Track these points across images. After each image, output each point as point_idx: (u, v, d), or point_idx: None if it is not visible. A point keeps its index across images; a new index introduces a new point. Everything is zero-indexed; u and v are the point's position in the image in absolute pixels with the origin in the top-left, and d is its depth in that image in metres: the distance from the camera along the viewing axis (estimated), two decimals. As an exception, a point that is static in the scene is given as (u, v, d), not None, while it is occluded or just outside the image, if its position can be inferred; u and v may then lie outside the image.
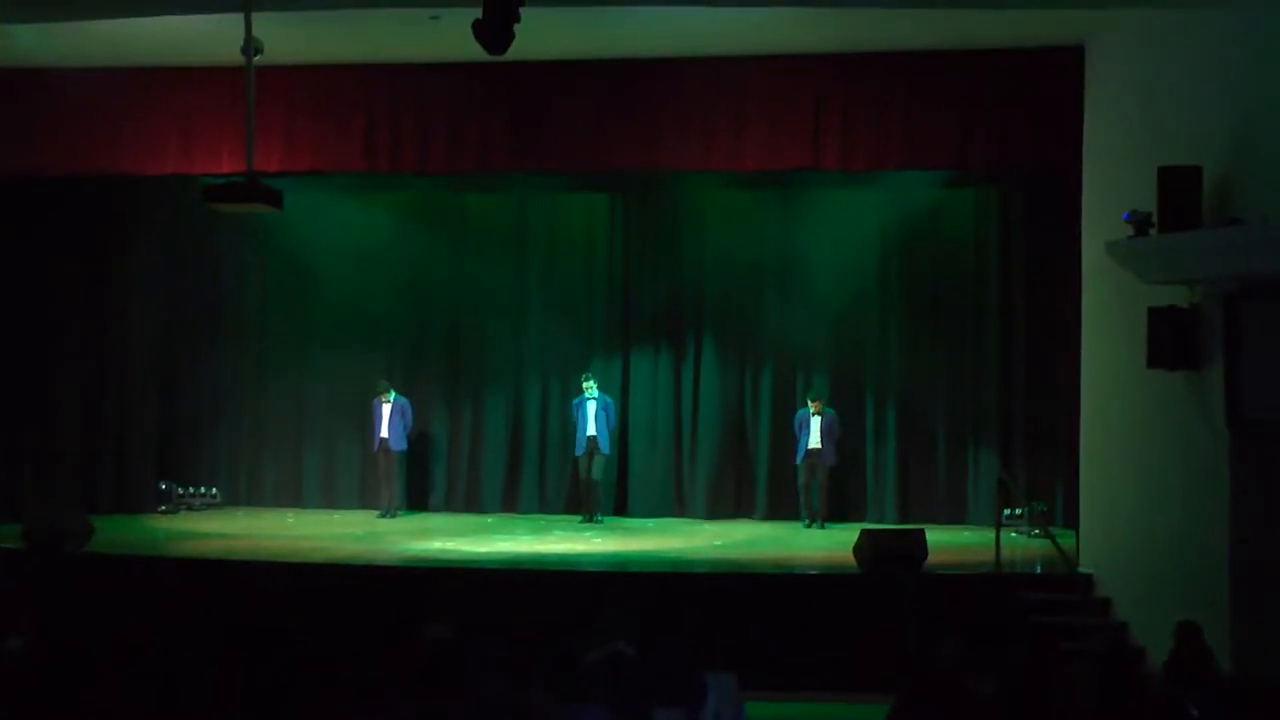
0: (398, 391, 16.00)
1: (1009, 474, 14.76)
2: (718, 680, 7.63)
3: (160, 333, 16.63)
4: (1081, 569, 12.45)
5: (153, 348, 16.56)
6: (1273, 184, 10.46)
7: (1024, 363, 15.60)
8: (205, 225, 15.79)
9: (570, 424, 15.85)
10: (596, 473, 15.60)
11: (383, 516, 15.90)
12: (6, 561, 12.93)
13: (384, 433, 15.86)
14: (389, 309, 16.86)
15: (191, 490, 16.48)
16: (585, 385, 15.57)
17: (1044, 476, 15.25)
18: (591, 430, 15.49)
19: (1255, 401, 10.45)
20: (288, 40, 12.27)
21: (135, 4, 11.99)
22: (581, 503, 15.82)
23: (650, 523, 15.86)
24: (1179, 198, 10.83)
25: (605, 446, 15.62)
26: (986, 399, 15.80)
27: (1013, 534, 14.29)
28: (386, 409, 15.86)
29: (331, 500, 16.80)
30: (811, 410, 15.33)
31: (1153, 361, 11.24)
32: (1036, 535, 14.11)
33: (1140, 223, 11.17)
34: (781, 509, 15.97)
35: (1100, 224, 12.21)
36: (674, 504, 16.38)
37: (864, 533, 12.60)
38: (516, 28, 10.02)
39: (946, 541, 13.63)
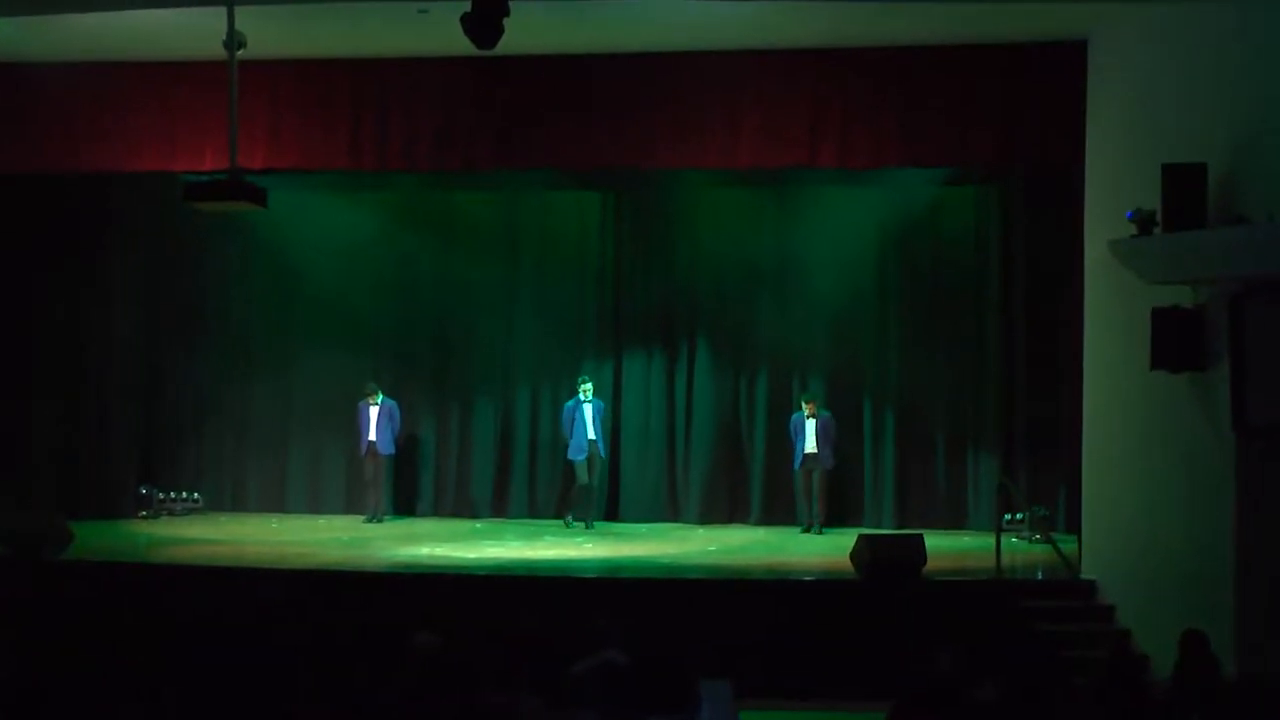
0: (385, 394, 16.00)
1: (1009, 478, 14.78)
2: (712, 689, 7.62)
3: (141, 334, 16.61)
4: (1084, 575, 12.45)
5: (133, 349, 16.54)
6: None
7: (1025, 364, 15.61)
8: (187, 224, 15.77)
9: (562, 427, 15.84)
10: (598, 478, 15.61)
11: (369, 521, 15.89)
12: (-18, 568, 12.90)
13: (372, 436, 15.85)
14: (376, 310, 16.83)
15: (173, 495, 16.46)
16: (582, 388, 15.55)
17: (1045, 480, 15.26)
18: (592, 433, 15.49)
19: (1261, 405, 10.46)
20: (272, 34, 12.26)
21: (115, -4, 12.00)
22: (578, 508, 15.75)
23: (643, 528, 15.85)
24: (1183, 195, 10.84)
25: (603, 450, 15.64)
26: (986, 401, 15.81)
27: (1013, 539, 14.30)
28: (374, 412, 15.85)
29: (317, 505, 16.78)
30: (806, 413, 15.33)
31: (1156, 363, 11.24)
32: (1038, 541, 14.13)
33: (1144, 221, 11.18)
34: (776, 514, 15.99)
35: (1103, 222, 12.21)
36: (667, 509, 16.38)
37: (861, 538, 12.59)
38: (506, 22, 10.04)
39: (946, 547, 13.63)
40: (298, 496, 16.89)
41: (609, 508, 16.31)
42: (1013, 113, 12.87)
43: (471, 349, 16.77)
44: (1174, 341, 11.11)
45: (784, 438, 15.67)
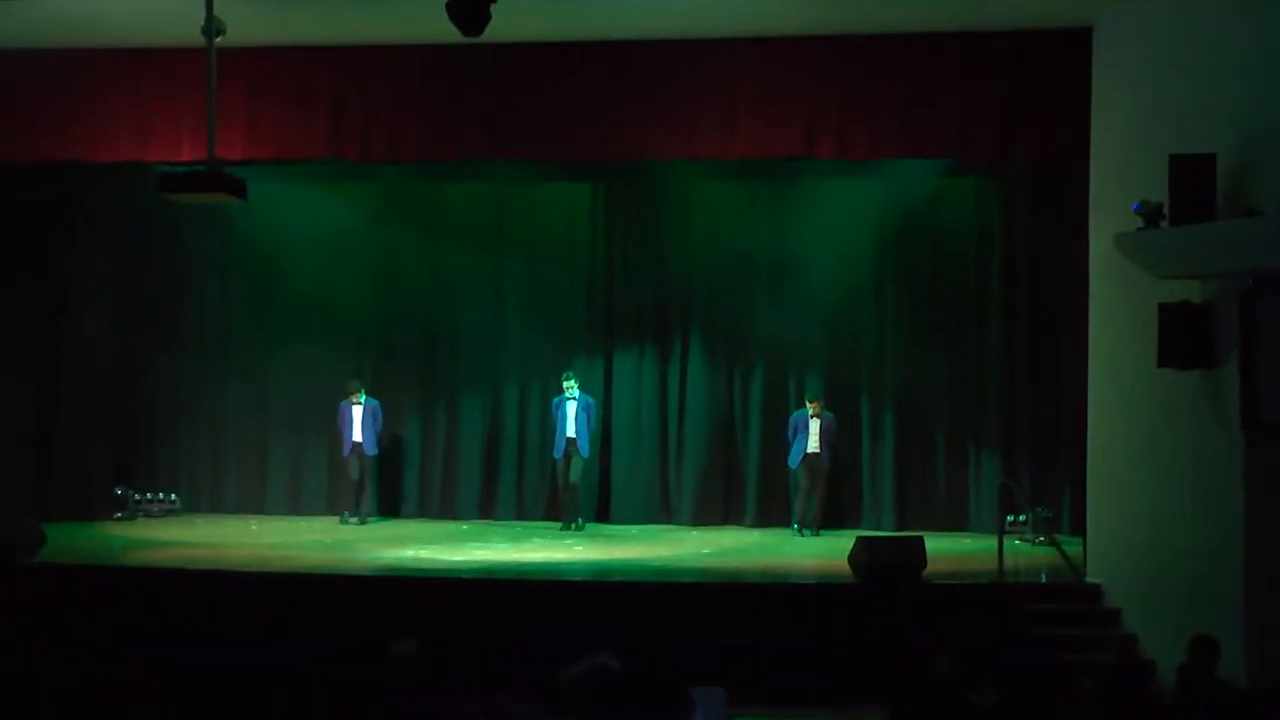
0: (368, 393, 15.97)
1: (1012, 478, 14.78)
2: (706, 695, 7.60)
3: (116, 330, 16.54)
4: (1089, 578, 12.43)
5: (108, 346, 16.47)
6: (1290, 173, 10.51)
7: (1028, 361, 15.61)
8: (163, 216, 15.73)
9: (550, 426, 15.81)
10: (574, 476, 15.57)
11: (345, 522, 15.86)
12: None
13: (357, 436, 15.83)
14: (359, 305, 16.79)
15: (149, 496, 16.40)
16: (566, 385, 15.53)
17: (1049, 481, 15.27)
18: (571, 432, 15.47)
19: (1272, 402, 10.47)
20: (251, 20, 12.22)
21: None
22: (561, 508, 15.80)
23: (634, 530, 15.84)
24: (1192, 187, 10.85)
25: (584, 449, 15.56)
26: (988, 399, 15.81)
27: (1016, 541, 14.27)
28: (357, 411, 15.83)
29: (297, 507, 16.75)
30: (810, 412, 15.31)
31: (1164, 360, 11.25)
32: (1041, 543, 14.11)
33: (1151, 214, 11.19)
34: (772, 515, 15.98)
35: (1109, 215, 12.20)
36: (659, 510, 16.38)
37: (860, 540, 12.57)
38: (493, 8, 10.03)
39: (946, 549, 13.61)
40: (278, 497, 16.86)
41: (599, 509, 16.30)
42: (1015, 102, 12.85)
43: (458, 346, 16.75)
44: (1182, 337, 11.12)
45: (780, 437, 15.65)
